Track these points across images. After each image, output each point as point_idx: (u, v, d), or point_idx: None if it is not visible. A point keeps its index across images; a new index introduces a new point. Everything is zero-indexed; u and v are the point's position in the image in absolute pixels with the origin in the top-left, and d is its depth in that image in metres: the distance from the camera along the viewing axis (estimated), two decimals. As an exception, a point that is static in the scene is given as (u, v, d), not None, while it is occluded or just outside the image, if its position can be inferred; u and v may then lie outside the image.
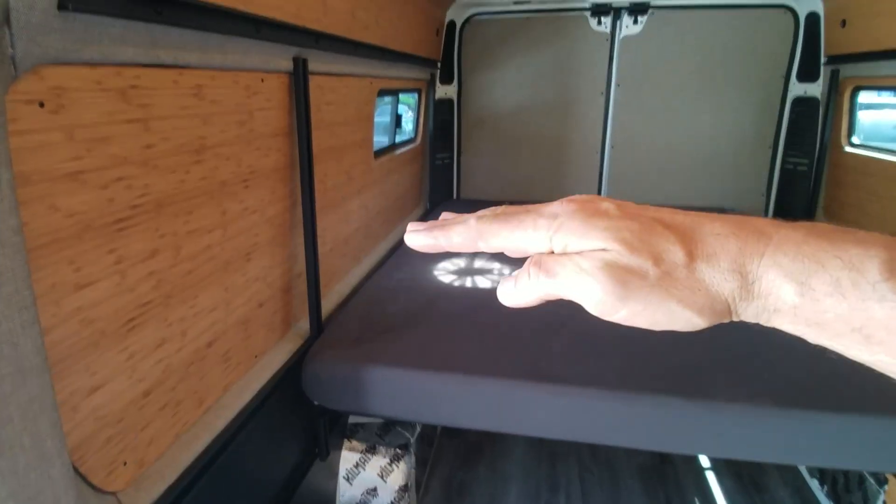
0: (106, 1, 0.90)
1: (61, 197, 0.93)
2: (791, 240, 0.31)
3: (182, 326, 1.31)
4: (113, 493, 1.12)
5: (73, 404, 1.01)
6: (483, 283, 2.40)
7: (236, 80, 1.41)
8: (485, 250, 0.37)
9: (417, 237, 0.39)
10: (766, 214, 3.67)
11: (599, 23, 3.50)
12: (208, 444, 1.37)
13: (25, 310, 0.81)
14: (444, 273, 2.52)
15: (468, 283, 2.40)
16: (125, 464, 1.15)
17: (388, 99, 3.54)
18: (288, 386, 1.72)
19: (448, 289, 2.33)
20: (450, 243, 0.38)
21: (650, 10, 3.43)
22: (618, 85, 3.61)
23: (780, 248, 0.31)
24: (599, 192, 3.86)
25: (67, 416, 0.99)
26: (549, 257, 0.35)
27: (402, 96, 3.87)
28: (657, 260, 0.32)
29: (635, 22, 3.47)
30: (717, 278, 0.32)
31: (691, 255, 0.32)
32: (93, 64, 0.96)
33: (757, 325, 0.34)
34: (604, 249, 0.33)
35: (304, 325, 1.98)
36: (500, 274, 2.51)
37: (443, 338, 1.86)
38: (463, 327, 1.95)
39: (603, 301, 0.32)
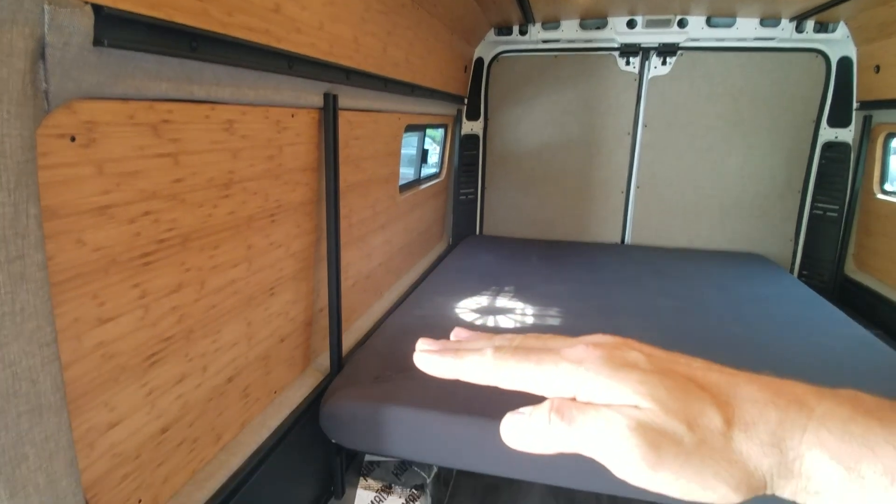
0: (141, 37, 0.90)
1: (88, 231, 0.93)
2: (836, 415, 0.28)
3: (203, 362, 1.29)
4: None
5: (89, 441, 0.99)
6: (506, 322, 2.36)
7: (267, 116, 1.42)
8: (500, 386, 0.34)
9: (429, 360, 0.37)
10: (793, 261, 3.60)
11: (628, 63, 3.51)
12: (224, 482, 1.33)
13: (46, 346, 0.80)
14: (466, 311, 2.48)
15: (490, 321, 2.36)
16: (139, 501, 1.13)
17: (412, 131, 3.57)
18: (306, 423, 1.69)
19: (470, 328, 2.29)
20: (461, 373, 0.36)
21: (679, 52, 3.42)
22: (645, 125, 3.59)
23: (823, 424, 0.28)
24: (623, 234, 3.82)
25: (84, 452, 0.97)
26: (573, 405, 0.31)
27: (428, 130, 3.90)
28: (692, 425, 0.29)
29: (664, 63, 3.46)
30: (756, 452, 0.29)
31: (729, 423, 0.29)
32: (126, 98, 0.96)
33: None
34: (636, 406, 0.30)
35: (323, 360, 1.95)
36: (523, 314, 2.47)
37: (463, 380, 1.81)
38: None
39: (633, 466, 0.29)
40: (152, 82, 0.99)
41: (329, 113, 1.68)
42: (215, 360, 1.34)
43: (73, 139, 0.87)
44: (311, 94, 1.59)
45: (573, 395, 0.32)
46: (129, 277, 1.04)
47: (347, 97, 1.83)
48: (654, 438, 0.29)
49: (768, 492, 0.30)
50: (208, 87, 1.14)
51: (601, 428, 0.30)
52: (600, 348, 0.33)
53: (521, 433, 0.33)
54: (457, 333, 0.41)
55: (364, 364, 1.92)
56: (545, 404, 0.32)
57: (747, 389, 0.30)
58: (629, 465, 0.29)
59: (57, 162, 0.85)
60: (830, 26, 3.12)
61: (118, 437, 1.05)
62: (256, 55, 1.22)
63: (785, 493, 0.29)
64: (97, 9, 0.79)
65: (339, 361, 1.92)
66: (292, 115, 1.53)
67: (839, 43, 3.19)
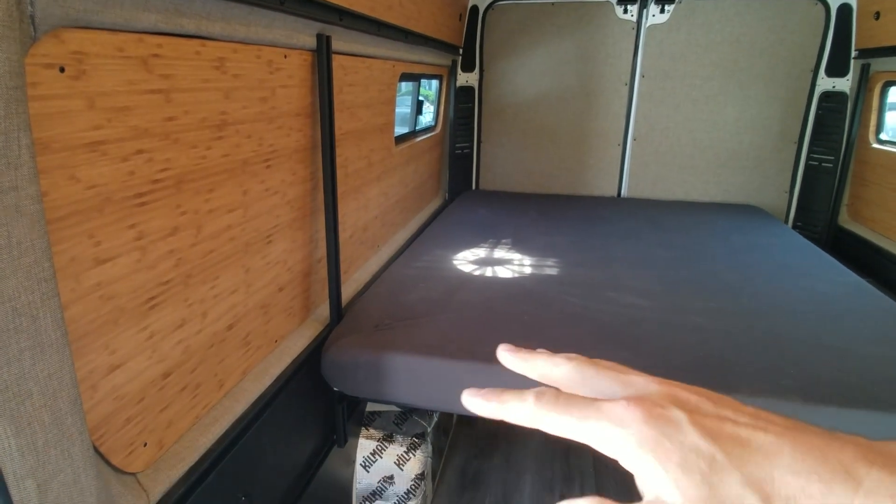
0: None
1: (82, 168, 0.90)
2: (885, 489, 0.26)
3: (202, 307, 1.28)
4: (132, 474, 1.09)
5: (92, 382, 0.98)
6: (504, 273, 2.36)
7: (259, 55, 1.37)
8: (543, 430, 0.34)
9: (475, 402, 0.37)
10: (788, 211, 3.60)
11: (625, 11, 3.43)
12: (227, 428, 1.34)
13: (45, 282, 0.78)
14: (464, 263, 2.47)
15: (489, 272, 2.36)
16: (145, 445, 1.13)
17: (405, 90, 3.49)
18: (307, 372, 1.70)
19: (468, 278, 2.29)
20: (504, 415, 0.36)
21: None
22: (642, 75, 3.53)
23: (871, 499, 0.26)
24: (620, 187, 3.80)
25: (87, 394, 0.97)
26: None
27: (422, 89, 3.82)
28: None
29: (662, 11, 3.39)
30: None
31: (767, 501, 0.27)
32: (114, 29, 0.92)
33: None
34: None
35: (323, 311, 1.95)
36: (521, 264, 2.47)
37: (463, 326, 1.82)
38: (483, 317, 1.91)
39: None
40: (141, 13, 0.95)
41: (322, 55, 1.63)
42: (215, 307, 1.33)
43: (62, 70, 0.84)
44: (304, 34, 1.54)
45: (614, 458, 0.31)
46: (125, 217, 1.01)
47: (341, 40, 1.78)
48: None
49: None
50: (198, 20, 1.10)
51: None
52: (641, 406, 0.31)
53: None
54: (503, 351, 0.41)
55: (364, 313, 1.92)
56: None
57: (790, 459, 0.28)
58: None
59: (46, 93, 0.82)
60: None
61: (120, 380, 1.05)
62: None
63: None
64: None
65: (338, 311, 1.92)
66: (285, 56, 1.48)
67: None
